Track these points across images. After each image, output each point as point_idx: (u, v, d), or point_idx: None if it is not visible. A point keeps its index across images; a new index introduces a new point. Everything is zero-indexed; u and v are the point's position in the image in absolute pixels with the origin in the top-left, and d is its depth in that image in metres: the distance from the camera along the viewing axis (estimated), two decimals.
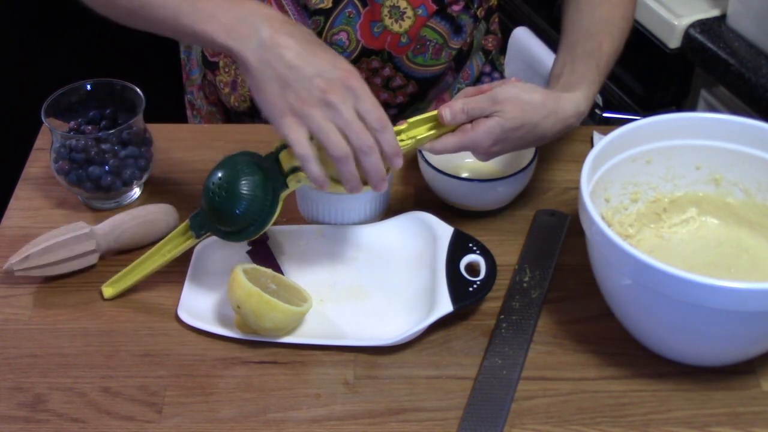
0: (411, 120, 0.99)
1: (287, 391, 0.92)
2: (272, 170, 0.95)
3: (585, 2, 1.12)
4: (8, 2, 2.37)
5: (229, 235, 0.96)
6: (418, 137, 0.99)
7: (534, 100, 0.98)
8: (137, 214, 1.06)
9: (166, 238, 1.00)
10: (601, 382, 0.93)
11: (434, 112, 1.00)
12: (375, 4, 1.17)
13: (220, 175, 0.94)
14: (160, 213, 1.07)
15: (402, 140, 0.98)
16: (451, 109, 0.98)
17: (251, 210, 0.93)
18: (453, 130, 0.99)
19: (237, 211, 0.93)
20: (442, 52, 1.24)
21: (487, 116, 0.98)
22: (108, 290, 1.01)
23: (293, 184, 0.94)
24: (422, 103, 1.31)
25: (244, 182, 0.93)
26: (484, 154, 1.01)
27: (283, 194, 0.95)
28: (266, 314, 0.92)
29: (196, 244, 1.02)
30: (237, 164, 0.95)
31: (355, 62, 1.21)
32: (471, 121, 0.99)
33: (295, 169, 0.93)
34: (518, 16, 1.93)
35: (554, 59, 1.10)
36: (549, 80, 1.07)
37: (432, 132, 0.99)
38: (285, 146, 0.94)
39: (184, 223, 0.99)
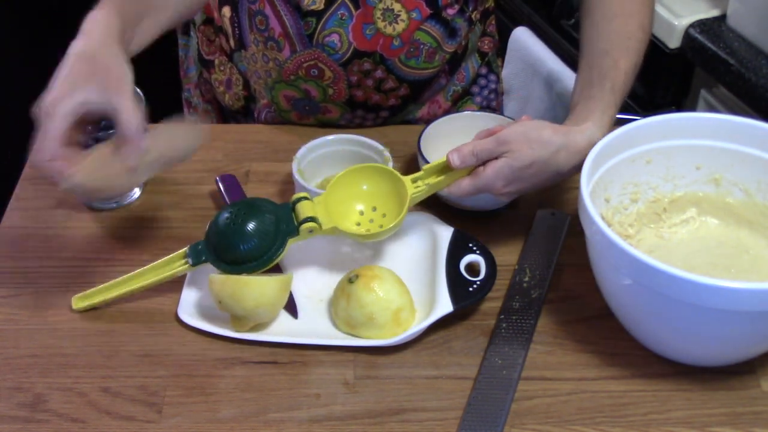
0: (426, 167, 1.01)
1: (287, 391, 0.92)
2: (286, 217, 0.98)
3: (600, 16, 1.07)
4: (8, 2, 2.38)
5: (228, 266, 0.96)
6: (432, 182, 1.01)
7: (542, 137, 0.97)
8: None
9: (156, 263, 0.99)
10: (601, 382, 0.93)
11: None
12: (368, 6, 1.17)
13: (237, 207, 0.98)
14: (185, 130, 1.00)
15: (418, 186, 1.00)
16: (460, 153, 0.98)
17: (259, 246, 0.96)
18: (469, 174, 1.00)
19: (243, 246, 0.96)
20: (436, 56, 1.24)
21: (496, 158, 0.98)
22: (77, 302, 0.99)
23: (305, 233, 0.97)
24: (415, 105, 1.31)
25: (259, 218, 0.96)
26: (501, 195, 1.01)
27: (292, 241, 0.97)
28: (243, 294, 0.93)
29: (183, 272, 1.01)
30: (255, 203, 0.99)
31: (347, 64, 1.21)
32: (484, 164, 0.99)
33: (308, 220, 0.97)
34: (518, 16, 1.93)
35: (574, 82, 1.07)
36: (569, 108, 1.05)
37: (446, 177, 1.00)
38: (302, 198, 0.98)
39: (180, 251, 0.99)
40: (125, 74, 0.91)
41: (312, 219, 0.97)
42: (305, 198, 0.99)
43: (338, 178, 1.02)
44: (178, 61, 1.42)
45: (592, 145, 0.97)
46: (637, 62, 1.05)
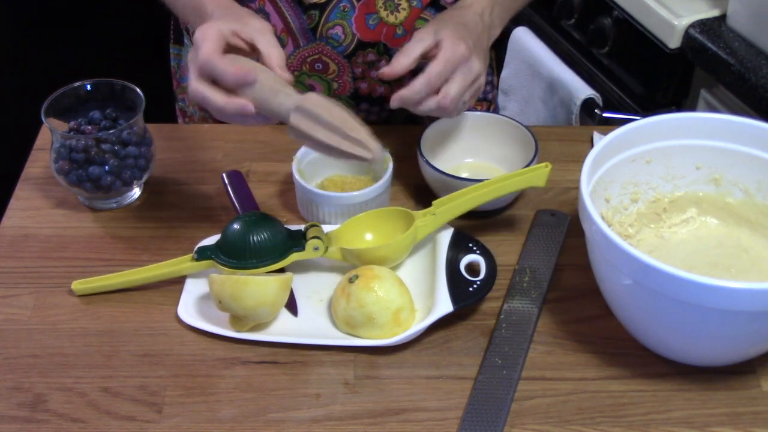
0: (436, 201, 1.03)
1: (287, 391, 0.92)
2: (296, 235, 1.01)
3: None
4: (8, 2, 2.38)
5: (230, 260, 0.98)
6: (440, 213, 1.02)
7: (435, 18, 1.06)
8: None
9: (160, 263, 1.02)
10: (601, 382, 0.93)
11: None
12: None
13: (256, 214, 1.02)
14: None
15: (425, 218, 1.02)
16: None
17: (267, 244, 0.98)
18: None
19: (253, 238, 0.98)
20: None
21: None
22: (77, 285, 1.01)
23: (310, 250, 1.00)
24: None
25: (274, 225, 1.00)
26: (468, 62, 1.03)
27: (295, 255, 0.99)
28: (242, 293, 0.93)
29: (184, 274, 1.02)
30: (273, 218, 1.02)
31: (352, 55, 1.21)
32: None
33: (315, 237, 1.00)
34: (518, 16, 1.92)
35: None
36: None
37: (453, 207, 1.02)
38: (313, 225, 1.02)
39: (187, 255, 1.01)
40: (261, 22, 0.99)
41: (318, 238, 0.99)
42: (317, 226, 1.02)
43: (352, 219, 1.04)
44: (171, 72, 1.42)
45: None
46: None
